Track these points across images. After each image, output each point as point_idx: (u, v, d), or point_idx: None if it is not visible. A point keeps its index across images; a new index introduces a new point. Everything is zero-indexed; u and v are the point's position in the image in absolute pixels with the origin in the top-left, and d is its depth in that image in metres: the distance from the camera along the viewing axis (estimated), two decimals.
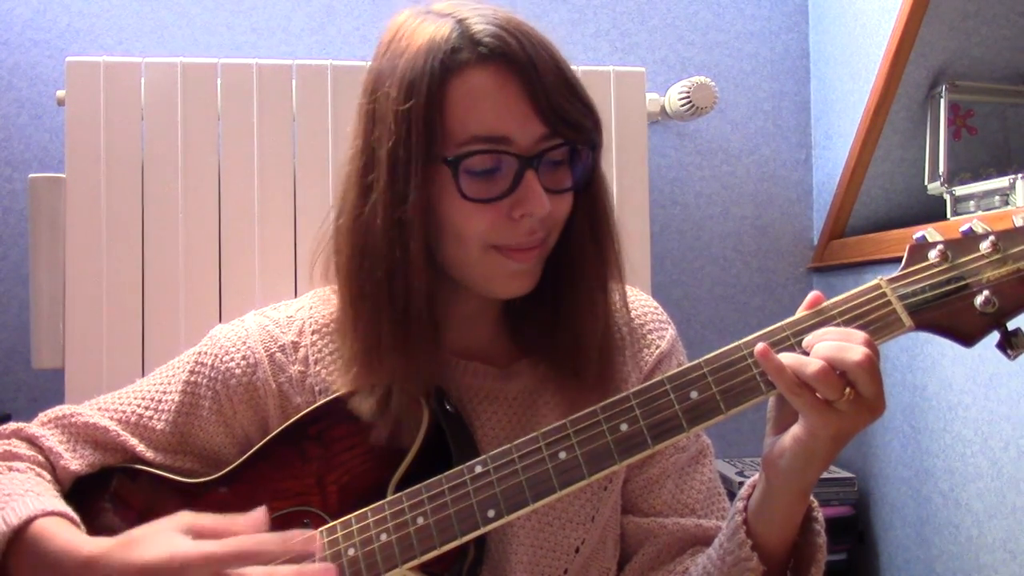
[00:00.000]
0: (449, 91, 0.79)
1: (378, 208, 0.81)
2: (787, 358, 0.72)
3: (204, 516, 0.75)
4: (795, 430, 0.73)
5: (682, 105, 1.64)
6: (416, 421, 0.83)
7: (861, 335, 0.72)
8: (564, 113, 0.80)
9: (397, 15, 0.87)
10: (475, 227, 0.82)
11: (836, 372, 0.70)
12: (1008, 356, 0.72)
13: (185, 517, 0.74)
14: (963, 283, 0.72)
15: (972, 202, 1.37)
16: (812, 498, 0.81)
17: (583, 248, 0.88)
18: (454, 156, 0.80)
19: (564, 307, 0.89)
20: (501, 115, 0.79)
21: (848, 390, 0.69)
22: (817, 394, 0.70)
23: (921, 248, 0.74)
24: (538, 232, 0.83)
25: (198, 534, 0.72)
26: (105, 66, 1.45)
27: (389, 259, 0.81)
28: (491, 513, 0.75)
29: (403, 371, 0.83)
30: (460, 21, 0.81)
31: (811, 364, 0.70)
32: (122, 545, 0.74)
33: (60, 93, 1.47)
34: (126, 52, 1.65)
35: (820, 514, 0.81)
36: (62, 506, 0.82)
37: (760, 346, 0.72)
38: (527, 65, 0.79)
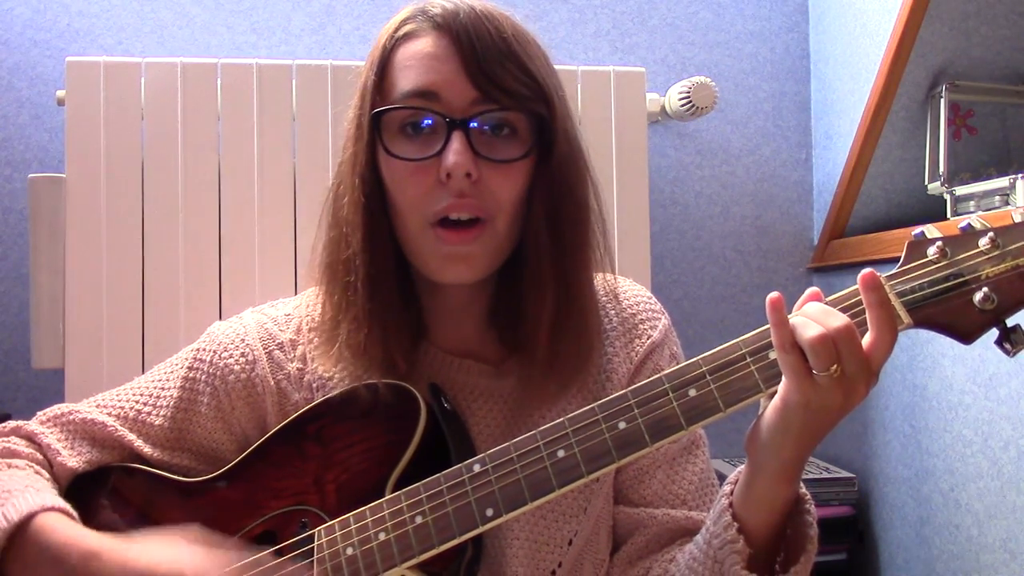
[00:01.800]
0: (392, 57, 0.86)
1: (343, 176, 0.89)
2: (792, 318, 0.71)
3: (214, 535, 0.80)
4: (772, 401, 0.73)
5: (682, 105, 1.64)
6: (413, 418, 0.83)
7: (844, 315, 0.70)
8: (495, 76, 0.83)
9: None
10: (409, 193, 0.84)
11: (831, 345, 0.68)
12: (1007, 353, 0.71)
13: (195, 530, 0.79)
14: (962, 280, 0.71)
15: (972, 202, 1.37)
16: (805, 491, 0.81)
17: (536, 231, 0.87)
18: (377, 111, 0.84)
19: (520, 293, 0.88)
20: (429, 74, 0.83)
21: (835, 367, 0.68)
22: (808, 361, 0.69)
23: (919, 245, 0.73)
24: (470, 197, 0.83)
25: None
26: (105, 66, 1.45)
27: (349, 221, 0.87)
28: (490, 512, 0.75)
29: (379, 318, 0.86)
30: (423, 4, 0.87)
31: (811, 328, 0.69)
32: (125, 542, 0.77)
33: (60, 93, 1.47)
34: (126, 52, 1.65)
35: (812, 507, 0.81)
36: (61, 502, 0.82)
37: (773, 295, 0.71)
38: (462, 31, 0.83)
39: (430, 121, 0.83)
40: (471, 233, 0.84)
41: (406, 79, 0.84)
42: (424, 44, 0.84)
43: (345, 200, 0.87)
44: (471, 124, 0.82)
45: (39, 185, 1.44)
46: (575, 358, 0.90)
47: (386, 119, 0.84)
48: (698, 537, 0.84)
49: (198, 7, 1.68)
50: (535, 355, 0.88)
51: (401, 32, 0.86)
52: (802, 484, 0.80)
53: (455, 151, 0.81)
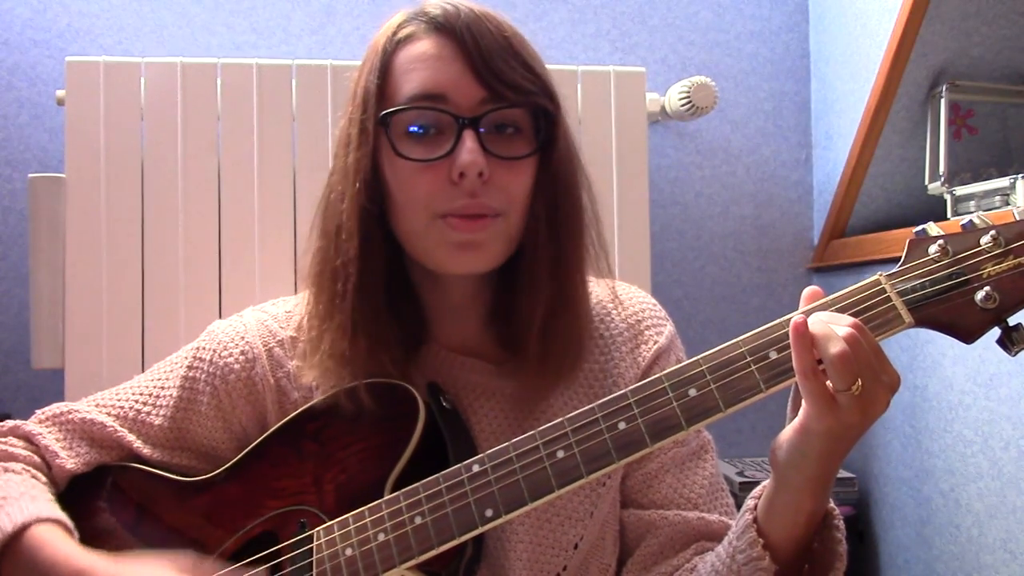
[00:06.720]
0: (393, 60, 0.85)
1: (335, 185, 0.87)
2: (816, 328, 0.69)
3: (205, 563, 0.81)
4: (793, 422, 0.73)
5: (682, 105, 1.63)
6: (412, 417, 0.83)
7: (848, 318, 0.70)
8: (501, 74, 0.82)
9: None
10: (417, 193, 0.83)
11: (852, 360, 0.67)
12: (1009, 352, 0.71)
13: (187, 561, 0.79)
14: (964, 278, 0.70)
15: (972, 202, 1.37)
16: (834, 506, 0.79)
17: (536, 229, 0.87)
18: (386, 112, 0.83)
19: (515, 289, 0.88)
20: (436, 75, 0.83)
21: (856, 385, 0.68)
22: (828, 383, 0.68)
23: (921, 243, 0.73)
24: (481, 197, 0.83)
25: None
26: (105, 66, 1.45)
27: (344, 228, 0.85)
28: (489, 512, 0.75)
29: (366, 327, 0.85)
30: (419, 7, 0.87)
31: (834, 345, 0.67)
32: (116, 563, 0.77)
33: (60, 93, 1.47)
34: (126, 52, 1.65)
35: (842, 522, 0.79)
36: (57, 512, 0.82)
37: (799, 318, 0.69)
38: (464, 32, 0.83)
39: (439, 122, 0.83)
40: (482, 222, 0.84)
41: (411, 82, 0.83)
42: (426, 46, 0.84)
43: (343, 207, 0.85)
44: (480, 123, 0.82)
45: (39, 185, 1.44)
46: (566, 357, 0.90)
47: (393, 121, 0.84)
48: (719, 549, 0.82)
49: (198, 7, 1.68)
50: (527, 353, 0.88)
51: (400, 35, 0.85)
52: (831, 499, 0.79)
53: (468, 150, 0.81)
